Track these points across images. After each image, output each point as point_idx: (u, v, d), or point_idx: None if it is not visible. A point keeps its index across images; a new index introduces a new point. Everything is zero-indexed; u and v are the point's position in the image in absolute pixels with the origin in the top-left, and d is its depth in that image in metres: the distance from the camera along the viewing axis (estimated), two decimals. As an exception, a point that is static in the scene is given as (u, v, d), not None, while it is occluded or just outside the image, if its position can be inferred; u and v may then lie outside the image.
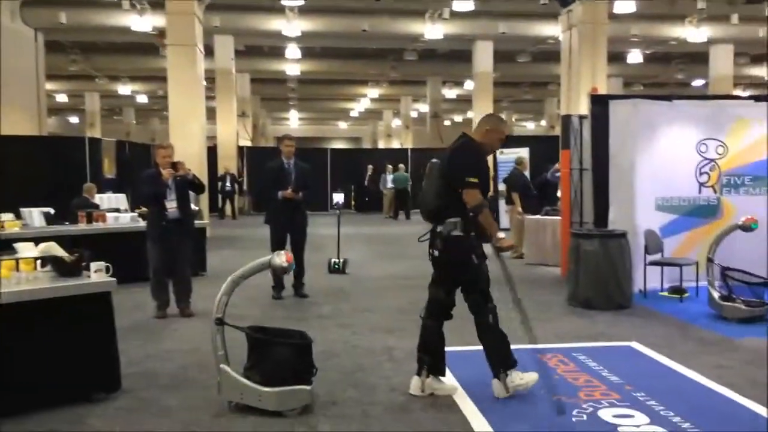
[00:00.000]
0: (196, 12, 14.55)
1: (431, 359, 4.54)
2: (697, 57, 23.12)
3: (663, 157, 8.21)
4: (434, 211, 4.47)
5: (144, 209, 8.13)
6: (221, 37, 20.62)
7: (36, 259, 4.61)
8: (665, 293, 7.96)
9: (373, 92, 31.25)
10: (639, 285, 7.86)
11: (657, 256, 7.82)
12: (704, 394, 4.62)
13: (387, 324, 6.71)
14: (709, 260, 6.95)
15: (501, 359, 4.46)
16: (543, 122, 38.58)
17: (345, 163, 24.78)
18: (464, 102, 30.97)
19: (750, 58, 23.90)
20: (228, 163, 21.28)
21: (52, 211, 9.10)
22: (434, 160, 4.60)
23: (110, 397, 4.49)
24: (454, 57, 24.57)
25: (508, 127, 4.78)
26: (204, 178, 10.36)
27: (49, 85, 24.04)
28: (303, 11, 18.26)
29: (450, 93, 30.15)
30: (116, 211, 9.84)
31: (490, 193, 17.77)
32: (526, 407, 4.33)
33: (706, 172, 8.36)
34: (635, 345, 5.82)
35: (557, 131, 11.48)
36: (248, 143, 25.54)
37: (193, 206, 7.86)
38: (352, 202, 23.81)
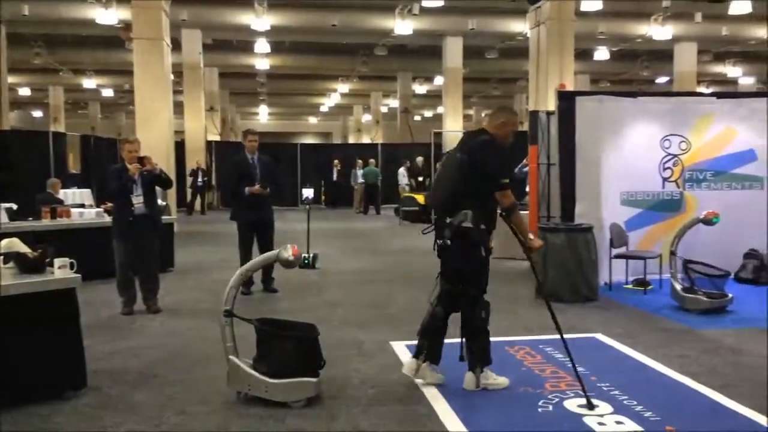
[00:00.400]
0: (162, 5, 14.36)
1: (430, 345, 4.60)
2: (661, 54, 23.54)
3: (628, 153, 8.36)
4: (448, 204, 4.47)
5: (110, 205, 8.01)
6: (189, 31, 20.37)
7: (-2, 255, 4.52)
8: (630, 286, 8.12)
9: (344, 87, 31.18)
10: (605, 278, 8.00)
11: (622, 250, 7.97)
12: (666, 384, 4.73)
13: (357, 318, 6.73)
14: (672, 253, 7.11)
15: (482, 355, 4.53)
16: (512, 118, 38.83)
17: (315, 158, 24.71)
18: (434, 97, 31.08)
19: (713, 56, 24.41)
20: (196, 157, 21.08)
21: (14, 206, 8.93)
22: (450, 153, 4.64)
23: (76, 395, 4.43)
24: (424, 52, 24.63)
25: (518, 119, 4.86)
26: (171, 173, 10.26)
27: (12, 79, 23.47)
28: (272, 5, 18.14)
29: (420, 88, 30.23)
30: (81, 207, 9.70)
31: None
32: (493, 400, 4.39)
33: (670, 167, 8.54)
34: (601, 337, 5.93)
35: (526, 127, 11.59)
36: (217, 138, 25.31)
37: (160, 201, 7.77)
38: (322, 197, 23.77)
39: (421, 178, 19.90)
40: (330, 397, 4.41)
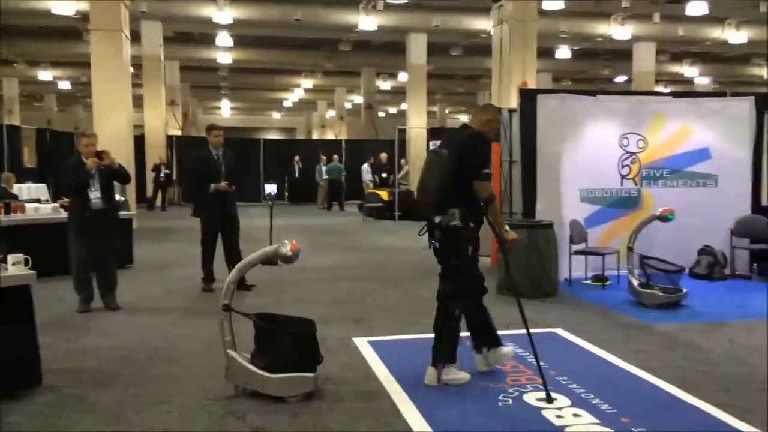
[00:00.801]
0: (122, -4, 14.08)
1: (487, 336, 4.75)
2: (621, 54, 23.97)
3: (588, 151, 8.49)
4: (438, 201, 4.47)
5: (66, 200, 7.85)
6: (149, 23, 19.98)
7: (-52, 251, 4.39)
8: (589, 281, 8.26)
9: (307, 83, 30.99)
10: (565, 274, 8.13)
11: (581, 246, 8.10)
12: (623, 377, 4.83)
13: (321, 314, 6.67)
14: (629, 249, 7.26)
15: (448, 352, 4.58)
16: (475, 115, 39.11)
17: (279, 153, 24.52)
18: (398, 94, 31.13)
19: (671, 56, 24.96)
20: (156, 152, 20.74)
21: (-34, 201, 8.67)
22: (435, 151, 4.64)
23: (32, 394, 4.33)
24: (388, 49, 24.64)
25: (501, 116, 4.92)
26: (130, 168, 10.09)
27: (-37, 70, 22.79)
28: (234, -2, 17.93)
29: (384, 84, 30.22)
30: (36, 202, 9.49)
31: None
32: (454, 395, 4.43)
33: (628, 165, 8.71)
34: (560, 331, 6.03)
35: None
36: (178, 132, 24.93)
37: (118, 197, 7.64)
38: (286, 193, 23.62)
39: (385, 175, 19.92)
40: (292, 394, 4.39)
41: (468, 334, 4.80)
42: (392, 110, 40.54)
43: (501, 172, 9.34)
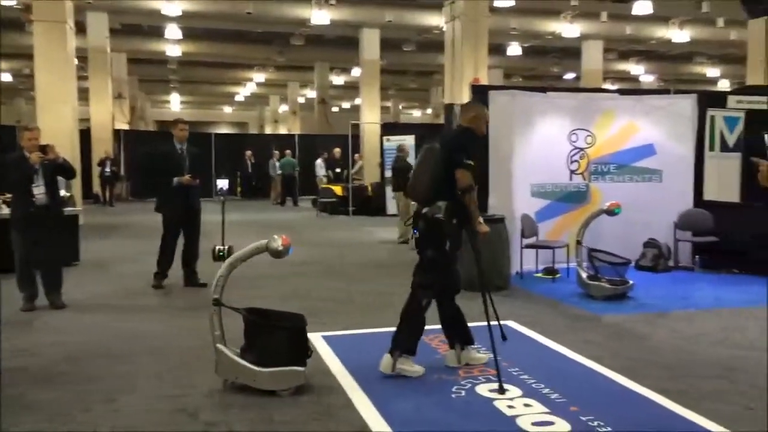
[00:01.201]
0: (66, -14, 13.67)
1: (457, 332, 4.78)
2: (570, 51, 24.44)
3: (538, 146, 8.63)
4: (428, 195, 4.59)
5: (8, 196, 7.58)
6: (94, 14, 19.46)
7: None
8: (540, 274, 8.41)
9: (259, 77, 30.64)
10: (516, 267, 8.25)
11: (532, 240, 8.24)
12: (573, 367, 4.94)
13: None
14: (578, 243, 7.41)
15: (408, 342, 4.62)
16: (429, 110, 39.42)
17: (230, 148, 24.19)
18: (352, 89, 31.04)
19: (618, 54, 25.58)
20: (103, 146, 20.22)
21: None
22: (428, 146, 4.73)
23: (-30, 396, 4.18)
24: (341, 43, 24.54)
25: (487, 112, 5.02)
26: (76, 163, 9.81)
27: None
28: (184, -10, 17.59)
29: (338, 79, 30.12)
30: (-24, 198, 9.10)
31: (377, 180, 17.98)
32: (408, 387, 4.45)
33: (577, 161, 8.89)
34: (512, 324, 6.11)
35: (442, 119, 11.78)
36: (126, 126, 24.35)
37: (63, 192, 7.42)
38: (238, 189, 23.33)
39: (338, 170, 19.86)
40: (245, 389, 4.35)
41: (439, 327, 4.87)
42: (346, 105, 40.43)
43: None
